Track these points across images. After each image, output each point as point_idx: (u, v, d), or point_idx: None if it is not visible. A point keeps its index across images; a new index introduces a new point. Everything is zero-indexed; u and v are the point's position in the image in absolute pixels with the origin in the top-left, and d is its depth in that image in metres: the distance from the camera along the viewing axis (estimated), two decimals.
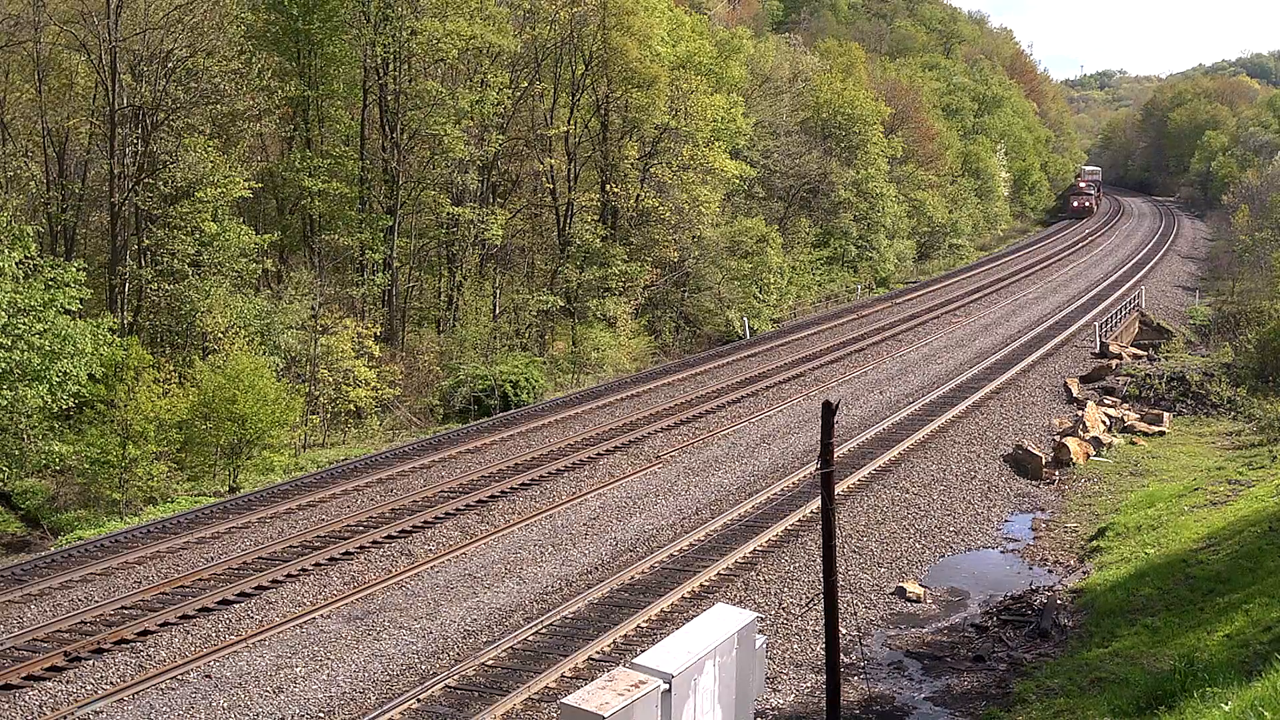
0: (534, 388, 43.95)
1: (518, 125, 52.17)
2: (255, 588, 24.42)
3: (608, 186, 54.77)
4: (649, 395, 44.05)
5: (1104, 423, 40.14)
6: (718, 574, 25.45)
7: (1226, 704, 14.69)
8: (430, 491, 31.23)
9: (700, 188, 56.43)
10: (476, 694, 19.70)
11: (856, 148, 79.12)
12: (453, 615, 23.40)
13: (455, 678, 20.27)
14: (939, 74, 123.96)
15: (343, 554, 26.53)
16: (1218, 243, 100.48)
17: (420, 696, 19.49)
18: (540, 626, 22.47)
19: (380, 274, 44.79)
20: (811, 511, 29.11)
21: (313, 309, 40.04)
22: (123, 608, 23.27)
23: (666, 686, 16.41)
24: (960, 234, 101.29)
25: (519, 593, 24.72)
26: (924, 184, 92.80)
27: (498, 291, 50.17)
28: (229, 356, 34.76)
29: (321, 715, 19.39)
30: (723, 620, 18.38)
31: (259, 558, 26.14)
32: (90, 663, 20.94)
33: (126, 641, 21.80)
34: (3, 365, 28.43)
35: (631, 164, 54.56)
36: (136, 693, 19.76)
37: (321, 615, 23.17)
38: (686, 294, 59.81)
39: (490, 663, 20.98)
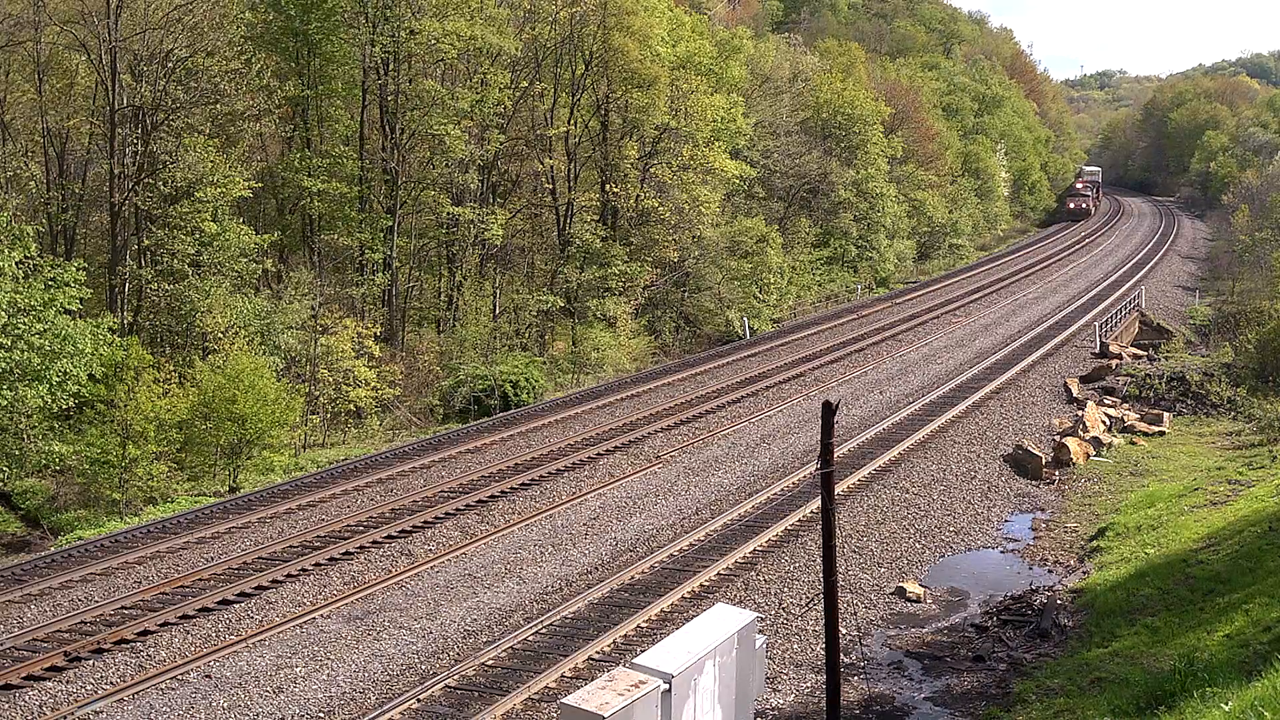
0: (534, 388, 43.95)
1: (518, 125, 52.16)
2: (255, 588, 24.42)
3: (608, 186, 54.77)
4: (649, 395, 44.05)
5: (1104, 423, 40.15)
6: (718, 574, 25.45)
7: (1226, 704, 14.69)
8: (430, 491, 31.23)
9: (700, 188, 56.43)
10: (476, 694, 19.70)
11: (856, 148, 79.11)
12: (453, 615, 23.40)
13: (455, 678, 20.27)
14: (939, 74, 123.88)
15: (343, 554, 26.53)
16: (1218, 243, 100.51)
17: (420, 696, 19.49)
18: (540, 626, 22.47)
19: (380, 274, 44.79)
20: (811, 511, 29.11)
21: (313, 309, 40.04)
22: (123, 608, 23.26)
23: (666, 686, 16.41)
24: (960, 234, 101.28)
25: (519, 593, 24.72)
26: (924, 184, 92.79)
27: (498, 291, 50.17)
28: (229, 356, 34.76)
29: (321, 715, 19.39)
30: (723, 620, 18.38)
31: (259, 558, 26.14)
32: (90, 663, 20.94)
33: (126, 641, 21.80)
34: (3, 365, 28.44)
35: (631, 164, 54.56)
36: (136, 693, 19.76)
37: (321, 615, 23.17)
38: (686, 294, 59.81)
39: (490, 663, 20.98)
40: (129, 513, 30.65)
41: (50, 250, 35.99)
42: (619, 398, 43.42)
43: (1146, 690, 17.29)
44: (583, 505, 30.46)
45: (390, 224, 45.03)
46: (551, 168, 52.34)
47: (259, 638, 22.03)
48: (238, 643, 21.70)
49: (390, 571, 25.62)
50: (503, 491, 31.36)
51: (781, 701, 20.24)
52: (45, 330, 29.24)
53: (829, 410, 16.43)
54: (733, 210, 64.88)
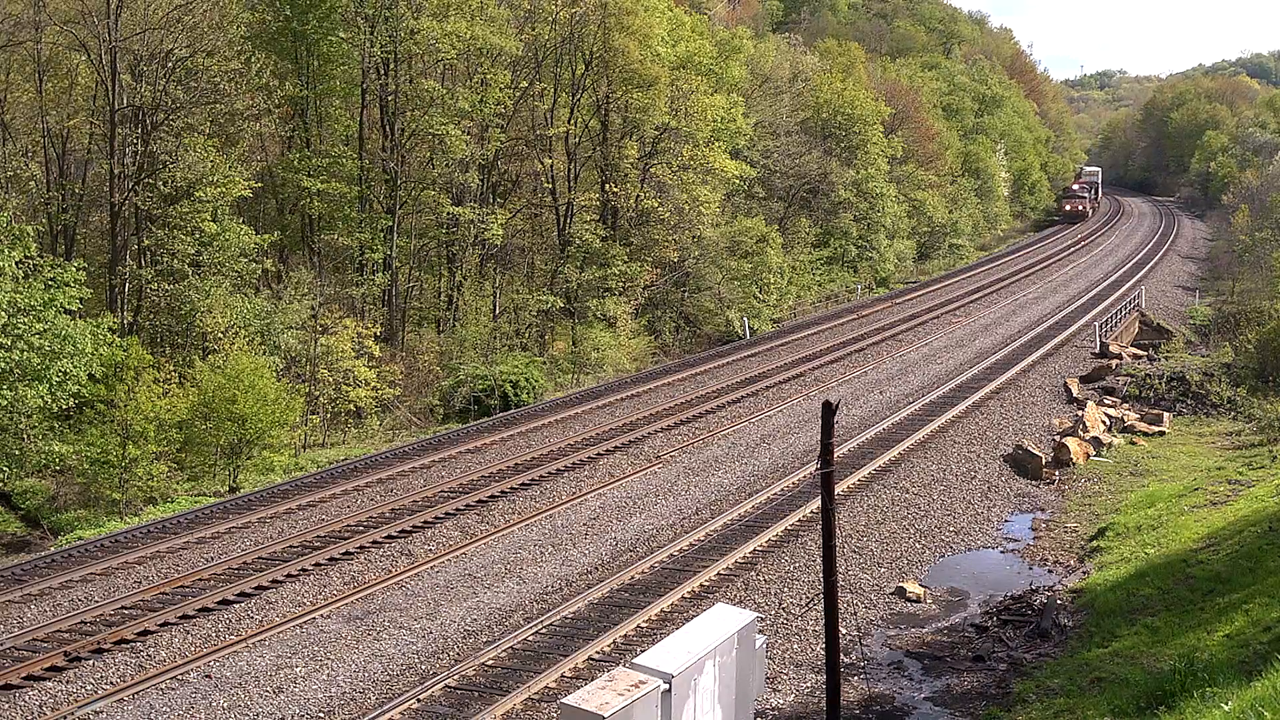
0: (534, 388, 43.95)
1: (518, 125, 52.16)
2: (255, 588, 24.42)
3: (608, 186, 54.77)
4: (649, 395, 44.05)
5: (1104, 423, 40.14)
6: (718, 574, 25.45)
7: (1226, 704, 14.69)
8: (430, 491, 31.23)
9: (700, 188, 56.42)
10: (476, 694, 19.70)
11: (856, 148, 79.11)
12: (453, 615, 23.40)
13: (455, 678, 20.27)
14: (939, 74, 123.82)
15: (343, 554, 26.53)
16: (1218, 243, 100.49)
17: (420, 696, 19.49)
18: (540, 626, 22.47)
19: (380, 274, 44.79)
20: (811, 511, 29.11)
21: (313, 309, 40.04)
22: (123, 608, 23.26)
23: (666, 686, 16.41)
24: (960, 234, 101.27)
25: (519, 593, 24.72)
26: (924, 184, 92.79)
27: (498, 291, 50.16)
28: (229, 356, 34.76)
29: (321, 715, 19.39)
30: (723, 620, 18.38)
31: (259, 558, 26.14)
32: (90, 663, 20.94)
33: (126, 641, 21.80)
34: (3, 365, 28.44)
35: (631, 164, 54.57)
36: (136, 693, 19.76)
37: (321, 615, 23.17)
38: (686, 294, 59.81)
39: (490, 663, 20.98)
40: (129, 513, 30.66)
41: (50, 250, 35.99)
42: (619, 398, 43.42)
43: (1146, 690, 17.28)
44: (583, 505, 30.46)
45: (390, 224, 45.04)
46: (551, 168, 52.35)
47: (259, 638, 22.03)
48: (238, 643, 21.70)
49: (390, 571, 25.62)
50: (503, 491, 31.36)
51: (781, 701, 20.25)
52: (45, 330, 29.24)
53: (829, 410, 16.43)
54: (733, 210, 64.88)
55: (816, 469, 16.81)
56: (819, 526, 25.97)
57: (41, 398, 29.22)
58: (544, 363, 47.82)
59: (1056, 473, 35.67)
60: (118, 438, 31.36)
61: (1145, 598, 23.47)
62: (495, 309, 49.46)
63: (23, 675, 20.23)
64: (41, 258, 31.54)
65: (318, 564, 25.90)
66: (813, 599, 23.56)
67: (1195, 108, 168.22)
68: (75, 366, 29.91)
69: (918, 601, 25.42)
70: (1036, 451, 36.06)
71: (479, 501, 30.56)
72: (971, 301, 70.87)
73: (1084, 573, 27.08)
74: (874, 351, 53.30)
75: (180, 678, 20.37)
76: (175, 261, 37.67)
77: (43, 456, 30.72)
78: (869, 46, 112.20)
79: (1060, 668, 21.06)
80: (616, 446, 36.05)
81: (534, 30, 51.06)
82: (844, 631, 22.55)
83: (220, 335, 36.29)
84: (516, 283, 52.63)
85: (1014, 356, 51.62)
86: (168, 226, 37.55)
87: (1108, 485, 34.41)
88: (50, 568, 25.62)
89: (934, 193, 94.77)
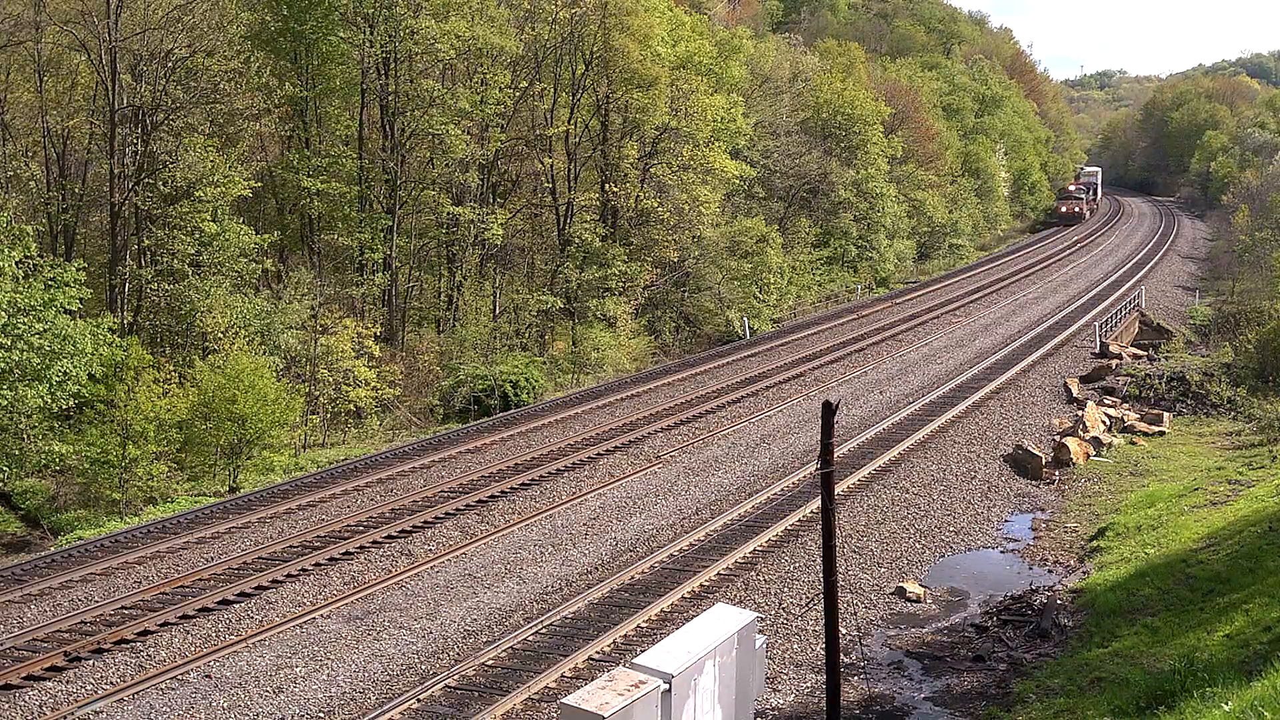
0: (534, 388, 43.95)
1: (518, 125, 52.15)
2: (255, 588, 24.42)
3: (608, 186, 54.77)
4: (649, 395, 44.05)
5: (1104, 423, 40.14)
6: (718, 574, 25.45)
7: (1226, 704, 14.69)
8: (430, 491, 31.23)
9: (700, 188, 56.41)
10: (476, 694, 19.70)
11: (856, 148, 79.09)
12: (453, 615, 23.40)
13: (455, 678, 20.27)
14: (939, 74, 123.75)
15: (343, 554, 26.53)
16: (1218, 243, 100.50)
17: (420, 696, 19.49)
18: (540, 626, 22.47)
19: (380, 274, 44.79)
20: (811, 511, 29.11)
21: (313, 309, 40.04)
22: (123, 608, 23.27)
23: (666, 686, 16.41)
24: (960, 234, 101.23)
25: (519, 593, 24.72)
26: (924, 184, 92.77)
27: (498, 291, 50.16)
28: (229, 356, 34.76)
29: (321, 715, 19.39)
30: (723, 620, 18.38)
31: (259, 558, 26.14)
32: (90, 663, 20.94)
33: (126, 641, 21.80)
34: (3, 365, 28.44)
35: (631, 164, 54.56)
36: (136, 693, 19.76)
37: (321, 615, 23.17)
38: (686, 294, 59.80)
39: (490, 663, 20.98)
40: (129, 513, 30.66)
41: (50, 250, 36.00)
42: (619, 398, 43.42)
43: (1146, 690, 17.28)
44: (583, 505, 30.46)
45: (390, 224, 45.03)
46: (551, 167, 52.35)
47: (259, 638, 22.03)
48: (238, 643, 21.70)
49: (390, 571, 25.62)
50: (503, 491, 31.36)
51: (781, 701, 20.25)
52: (45, 330, 29.24)
53: (829, 410, 16.43)
54: (733, 210, 64.87)
55: (816, 469, 16.81)
56: (819, 526, 25.98)
57: (41, 398, 29.22)
58: (544, 363, 47.82)
59: (1056, 473, 35.67)
60: (118, 438, 31.36)
61: (1145, 598, 23.47)
62: (495, 309, 49.46)
63: (23, 675, 20.24)
64: (41, 258, 31.55)
65: (318, 564, 25.90)
66: (813, 599, 23.56)
67: (1195, 108, 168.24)
68: (75, 366, 29.92)
69: (918, 601, 25.42)
70: (1036, 451, 36.06)
71: (479, 501, 30.56)
72: (971, 301, 70.87)
73: (1084, 573, 27.08)
74: (874, 351, 53.30)
75: (180, 678, 20.38)
76: (175, 261, 37.67)
77: (43, 456, 30.73)
78: (869, 46, 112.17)
79: (1060, 668, 21.07)
80: (616, 446, 36.05)
81: (534, 30, 51.05)
82: (844, 631, 22.55)
83: (220, 335, 36.29)
84: (516, 283, 52.62)
85: (1014, 356, 51.62)
86: (168, 226, 37.55)
87: (1108, 485, 34.41)
88: (50, 568, 25.62)
89: (934, 193, 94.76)
